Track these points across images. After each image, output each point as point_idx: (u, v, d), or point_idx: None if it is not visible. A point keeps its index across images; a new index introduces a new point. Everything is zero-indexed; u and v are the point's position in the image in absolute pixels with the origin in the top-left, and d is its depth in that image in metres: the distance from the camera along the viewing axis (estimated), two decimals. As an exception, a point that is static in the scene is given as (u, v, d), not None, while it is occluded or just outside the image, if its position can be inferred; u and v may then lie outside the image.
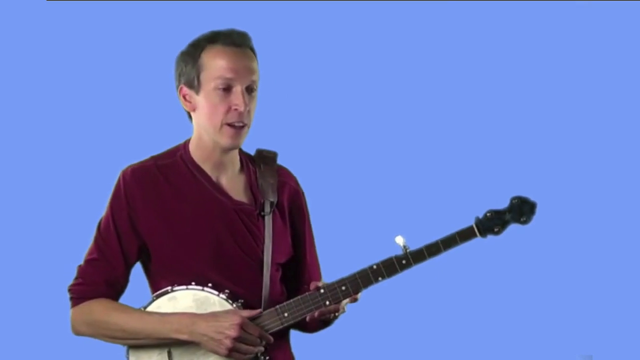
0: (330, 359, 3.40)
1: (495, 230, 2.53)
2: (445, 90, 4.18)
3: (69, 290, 2.58)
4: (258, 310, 2.51)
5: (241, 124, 2.52)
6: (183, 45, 2.60)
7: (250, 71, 2.53)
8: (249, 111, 2.52)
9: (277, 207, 2.63)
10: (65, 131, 4.06)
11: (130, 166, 2.60)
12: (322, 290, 2.51)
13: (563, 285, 4.12)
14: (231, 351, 2.45)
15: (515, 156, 4.14)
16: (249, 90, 2.53)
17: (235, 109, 2.50)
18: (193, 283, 2.51)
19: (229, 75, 2.50)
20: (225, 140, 2.53)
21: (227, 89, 2.51)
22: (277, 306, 2.52)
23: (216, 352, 2.46)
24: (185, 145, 2.63)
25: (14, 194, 4.03)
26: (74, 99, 4.07)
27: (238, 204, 2.59)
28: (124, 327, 2.51)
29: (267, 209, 2.61)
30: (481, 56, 4.19)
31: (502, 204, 2.55)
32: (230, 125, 2.51)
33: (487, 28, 4.19)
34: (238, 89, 2.50)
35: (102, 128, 4.05)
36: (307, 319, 2.54)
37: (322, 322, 2.64)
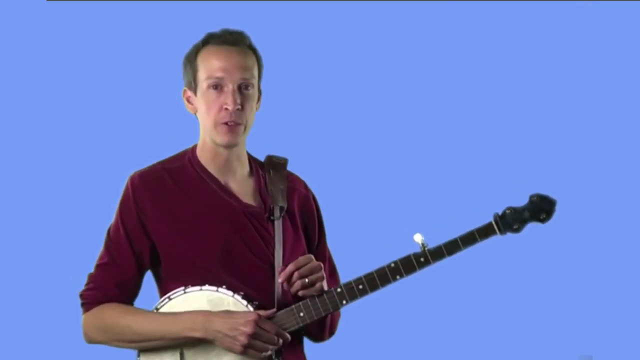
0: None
1: (515, 227, 2.51)
2: (460, 89, 4.20)
3: (80, 296, 2.57)
4: (273, 310, 2.49)
5: (234, 123, 2.52)
6: (185, 46, 2.62)
7: (242, 69, 2.53)
8: (240, 109, 2.52)
9: (288, 213, 2.63)
10: (69, 134, 4.05)
11: (137, 171, 2.60)
12: (339, 290, 2.49)
13: (563, 285, 4.13)
14: (246, 348, 2.42)
15: (528, 155, 4.16)
16: (242, 88, 2.53)
17: (226, 108, 2.51)
18: (207, 284, 2.49)
19: (218, 74, 2.52)
20: (220, 138, 2.54)
21: (219, 88, 2.52)
22: (293, 306, 2.50)
23: (231, 349, 2.44)
24: (193, 148, 2.64)
25: (19, 200, 4.01)
26: (75, 100, 4.06)
27: (247, 206, 2.58)
28: (137, 329, 2.49)
29: (277, 213, 2.60)
30: (490, 54, 4.20)
31: (521, 203, 2.54)
32: (223, 124, 2.52)
33: (488, 28, 4.20)
34: (229, 88, 2.52)
35: (107, 132, 4.04)
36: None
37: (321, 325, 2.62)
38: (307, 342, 2.69)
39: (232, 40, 2.56)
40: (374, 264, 2.53)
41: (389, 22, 4.21)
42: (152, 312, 2.52)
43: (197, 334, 2.45)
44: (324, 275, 2.53)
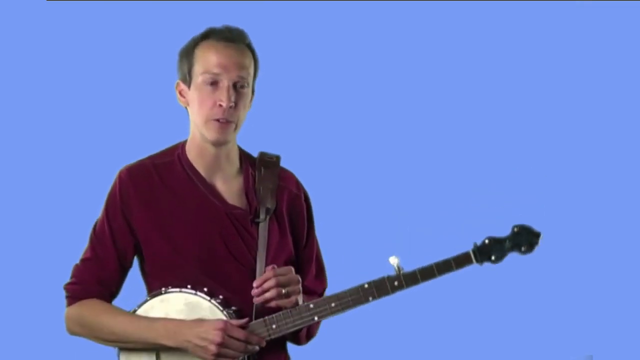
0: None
1: (493, 258, 2.48)
2: (453, 90, 4.18)
3: (64, 289, 2.60)
4: (245, 320, 2.50)
5: (225, 120, 2.52)
6: (180, 45, 2.62)
7: (239, 67, 2.52)
8: (234, 107, 2.51)
9: (276, 214, 2.61)
10: (65, 131, 4.06)
11: (126, 166, 2.61)
12: (311, 305, 2.50)
13: (563, 285, 4.12)
14: (216, 356, 2.45)
15: (519, 161, 4.15)
16: (238, 86, 2.52)
17: (220, 105, 2.50)
18: (188, 286, 2.51)
19: (215, 70, 2.51)
20: (210, 134, 2.53)
21: (214, 84, 2.51)
22: (266, 317, 2.50)
23: (203, 358, 2.47)
24: (184, 144, 2.63)
25: (12, 194, 4.03)
26: (73, 99, 4.06)
27: (231, 208, 2.58)
28: (114, 329, 2.52)
29: (262, 215, 2.59)
30: (483, 59, 4.18)
31: (505, 221, 2.51)
32: (215, 120, 2.52)
33: (487, 28, 4.17)
34: (224, 85, 2.51)
35: (102, 128, 4.04)
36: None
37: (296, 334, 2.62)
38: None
39: (231, 37, 2.55)
40: (364, 262, 2.58)
41: (380, 20, 4.20)
42: (129, 314, 2.54)
43: (170, 343, 2.48)
44: (300, 290, 2.53)
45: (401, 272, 2.45)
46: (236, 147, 2.64)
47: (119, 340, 2.53)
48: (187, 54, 2.56)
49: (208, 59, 2.52)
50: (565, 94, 4.19)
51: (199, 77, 2.52)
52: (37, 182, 4.03)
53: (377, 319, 3.96)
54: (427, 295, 3.92)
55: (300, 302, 2.53)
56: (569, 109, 4.19)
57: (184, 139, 2.64)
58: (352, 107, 4.18)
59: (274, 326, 2.50)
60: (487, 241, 2.47)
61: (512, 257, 3.95)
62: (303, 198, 2.71)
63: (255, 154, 2.70)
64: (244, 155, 2.67)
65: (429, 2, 4.13)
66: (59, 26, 4.07)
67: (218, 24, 2.61)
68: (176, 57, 2.63)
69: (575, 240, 4.12)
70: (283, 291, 2.48)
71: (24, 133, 4.06)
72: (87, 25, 4.08)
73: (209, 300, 2.49)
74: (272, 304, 2.49)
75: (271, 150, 2.71)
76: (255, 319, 2.52)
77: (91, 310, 2.55)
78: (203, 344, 2.44)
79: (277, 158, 2.68)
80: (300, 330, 2.59)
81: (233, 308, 2.51)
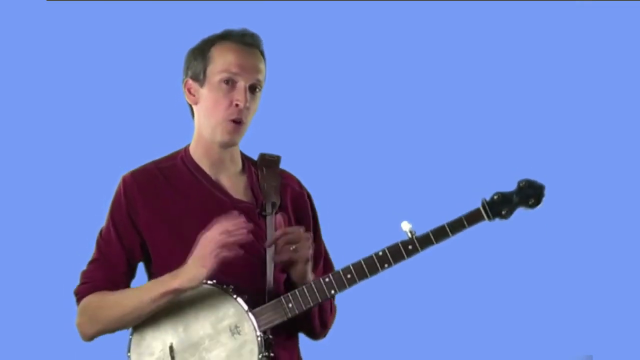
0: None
1: (503, 213, 2.46)
2: (448, 81, 4.20)
3: (74, 293, 2.59)
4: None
5: (240, 120, 2.53)
6: (184, 46, 2.63)
7: (257, 70, 2.55)
8: (248, 109, 2.53)
9: (280, 209, 2.62)
10: (66, 134, 4.06)
11: (129, 171, 2.61)
12: (327, 279, 2.47)
13: (563, 284, 4.12)
14: (221, 249, 2.39)
15: (520, 153, 4.14)
16: (253, 89, 2.54)
17: (237, 105, 2.52)
18: None
19: (234, 69, 2.52)
20: (223, 135, 2.55)
21: (231, 84, 2.52)
22: (282, 296, 2.47)
23: (208, 266, 2.39)
24: (187, 147, 2.64)
25: (15, 199, 4.02)
26: (74, 100, 4.07)
27: (238, 202, 2.59)
28: (121, 301, 2.48)
29: (269, 209, 2.60)
30: (482, 54, 4.21)
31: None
32: (230, 120, 2.53)
33: (487, 28, 4.21)
34: (242, 85, 2.52)
35: (104, 131, 4.05)
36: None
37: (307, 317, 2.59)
38: (303, 341, 2.68)
39: (250, 42, 2.58)
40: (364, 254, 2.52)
41: (379, 21, 4.24)
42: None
43: (177, 282, 2.41)
44: (311, 245, 2.51)
45: (414, 235, 2.45)
46: (238, 148, 2.66)
47: (130, 312, 2.47)
48: (202, 52, 2.57)
49: (227, 59, 2.53)
50: (561, 87, 4.24)
51: (215, 75, 2.53)
52: (36, 185, 4.03)
53: (384, 321, 3.99)
54: (427, 299, 4.02)
55: (310, 260, 2.51)
56: (570, 103, 4.23)
57: (184, 147, 2.66)
58: (344, 104, 4.21)
59: (290, 305, 2.46)
60: (495, 197, 2.47)
61: (511, 258, 4.02)
62: (306, 196, 2.72)
63: (251, 156, 2.72)
64: (244, 157, 2.69)
65: (428, 3, 4.16)
66: (59, 26, 4.08)
67: (219, 25, 2.62)
68: (178, 58, 2.64)
69: (575, 240, 4.14)
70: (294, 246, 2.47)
71: (23, 136, 4.06)
72: (88, 26, 4.09)
73: (222, 288, 2.46)
74: (284, 255, 2.47)
75: (268, 151, 2.72)
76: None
77: (96, 297, 2.53)
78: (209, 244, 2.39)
79: (278, 158, 2.70)
80: (312, 317, 2.57)
81: (245, 296, 2.46)
